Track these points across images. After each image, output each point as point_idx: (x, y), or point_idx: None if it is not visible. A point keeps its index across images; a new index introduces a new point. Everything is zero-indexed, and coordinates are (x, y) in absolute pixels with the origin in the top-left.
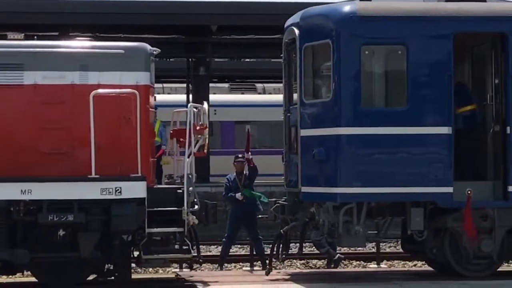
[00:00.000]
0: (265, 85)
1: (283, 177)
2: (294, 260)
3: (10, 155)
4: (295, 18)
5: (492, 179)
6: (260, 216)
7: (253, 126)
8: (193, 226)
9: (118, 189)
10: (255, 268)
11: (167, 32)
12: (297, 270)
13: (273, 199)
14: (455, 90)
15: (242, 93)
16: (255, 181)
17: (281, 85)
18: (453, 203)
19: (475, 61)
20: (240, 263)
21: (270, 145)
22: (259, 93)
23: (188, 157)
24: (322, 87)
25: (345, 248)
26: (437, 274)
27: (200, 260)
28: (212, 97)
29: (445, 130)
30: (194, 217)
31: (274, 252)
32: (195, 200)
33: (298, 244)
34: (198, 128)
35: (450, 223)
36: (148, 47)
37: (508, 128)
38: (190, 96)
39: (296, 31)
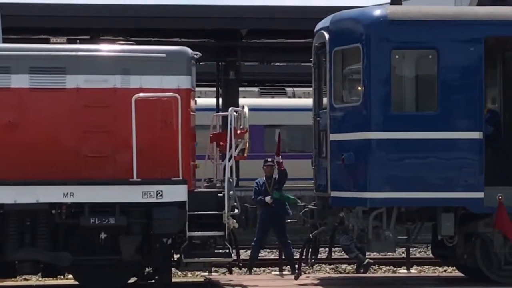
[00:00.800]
0: (295, 89)
1: (312, 182)
2: (324, 265)
3: (53, 158)
4: (325, 22)
5: None
6: (289, 220)
7: (283, 130)
8: (233, 230)
9: (159, 193)
10: (284, 272)
11: (197, 36)
12: (326, 275)
13: (303, 204)
14: None
15: (272, 97)
16: (284, 185)
17: (311, 89)
18: (484, 208)
19: (507, 65)
20: (269, 267)
21: (300, 149)
22: (289, 97)
23: (229, 160)
24: (352, 91)
25: (374, 253)
26: (467, 280)
27: (240, 264)
28: (242, 101)
29: (476, 135)
30: (235, 221)
31: (303, 257)
32: (235, 204)
33: (327, 249)
34: (238, 132)
35: (481, 228)
36: (189, 51)
37: None
38: (220, 100)
39: (326, 35)
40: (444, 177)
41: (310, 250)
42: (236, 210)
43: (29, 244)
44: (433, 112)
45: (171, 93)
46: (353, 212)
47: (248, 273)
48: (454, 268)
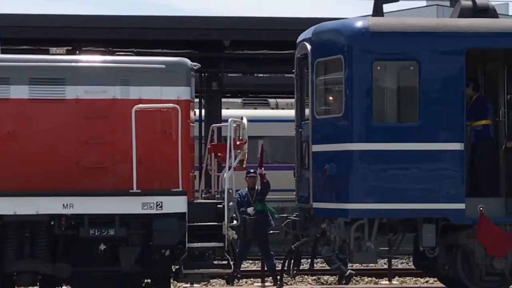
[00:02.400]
0: (278, 100)
1: (294, 193)
2: (306, 276)
3: (52, 169)
4: (307, 33)
5: (504, 195)
6: (271, 231)
7: (266, 141)
8: (231, 241)
9: (159, 204)
10: (266, 284)
11: (180, 47)
12: (309, 286)
13: (285, 215)
14: (474, 103)
15: (255, 108)
16: (266, 197)
17: (293, 100)
18: (465, 219)
19: (488, 77)
20: (251, 279)
21: (282, 160)
22: (272, 108)
23: (228, 171)
24: (334, 103)
25: (356, 264)
26: None
27: (238, 275)
28: (225, 112)
29: (457, 146)
30: (234, 232)
31: (286, 268)
32: (235, 215)
33: (309, 260)
34: (238, 143)
35: (463, 239)
36: (189, 62)
37: None
38: (203, 111)
39: (308, 47)
40: (425, 188)
41: (292, 261)
42: (235, 221)
43: (28, 256)
44: (415, 123)
45: (171, 104)
46: (335, 223)
47: (230, 284)
48: (435, 279)
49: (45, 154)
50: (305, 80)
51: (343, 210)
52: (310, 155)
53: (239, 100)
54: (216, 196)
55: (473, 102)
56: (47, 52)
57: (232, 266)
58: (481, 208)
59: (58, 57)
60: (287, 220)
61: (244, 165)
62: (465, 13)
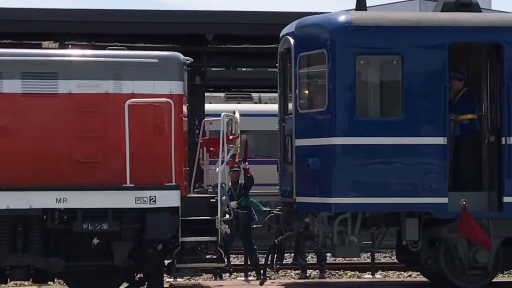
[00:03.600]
0: (261, 94)
1: (278, 187)
2: (289, 270)
3: (45, 164)
4: (290, 27)
5: (487, 189)
6: (254, 226)
7: (249, 135)
8: (224, 235)
9: (152, 198)
10: (249, 278)
11: (163, 41)
12: (292, 280)
13: (268, 209)
14: (462, 97)
15: (238, 103)
16: (250, 191)
17: (277, 94)
18: (448, 213)
19: (471, 71)
20: (235, 273)
21: (265, 155)
22: (255, 103)
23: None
24: (317, 97)
25: (339, 258)
26: (432, 284)
27: (231, 269)
28: (208, 107)
29: (440, 140)
30: (227, 226)
31: (269, 262)
32: (227, 209)
33: (292, 254)
34: (230, 137)
35: (445, 233)
36: (181, 56)
37: (503, 139)
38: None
39: (291, 41)
40: (408, 183)
41: (275, 255)
42: (227, 215)
43: (21, 250)
44: (398, 118)
45: (164, 99)
46: (318, 217)
47: (213, 278)
48: (418, 273)
49: (38, 149)
50: (288, 74)
51: (326, 204)
52: (293, 149)
53: (222, 94)
54: (209, 190)
55: (460, 96)
56: (39, 46)
57: (225, 260)
58: (463, 202)
59: (51, 51)
60: (270, 215)
61: (236, 160)
62: (448, 7)
